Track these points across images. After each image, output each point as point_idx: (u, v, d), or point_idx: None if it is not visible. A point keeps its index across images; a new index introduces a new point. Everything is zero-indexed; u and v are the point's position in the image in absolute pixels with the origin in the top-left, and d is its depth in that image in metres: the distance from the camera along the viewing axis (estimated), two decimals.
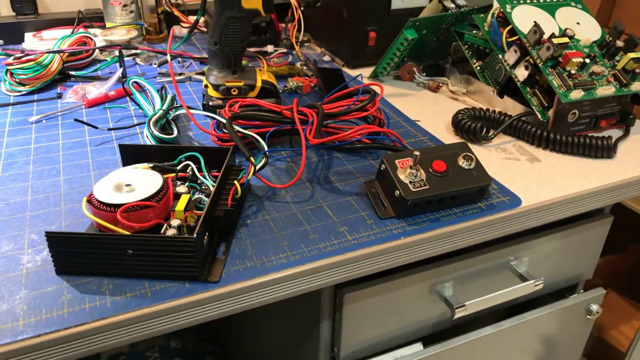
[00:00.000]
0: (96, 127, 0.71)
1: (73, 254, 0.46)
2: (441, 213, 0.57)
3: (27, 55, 0.83)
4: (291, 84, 0.85)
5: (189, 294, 0.46)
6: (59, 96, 0.82)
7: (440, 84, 0.88)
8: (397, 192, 0.54)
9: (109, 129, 0.72)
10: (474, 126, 0.70)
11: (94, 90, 0.80)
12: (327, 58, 1.00)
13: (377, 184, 0.58)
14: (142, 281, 0.47)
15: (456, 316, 0.64)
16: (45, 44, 0.92)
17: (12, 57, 0.83)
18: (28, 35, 1.00)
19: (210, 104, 0.75)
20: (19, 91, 0.83)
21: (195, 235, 0.45)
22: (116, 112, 0.78)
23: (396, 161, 0.56)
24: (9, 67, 0.82)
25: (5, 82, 0.83)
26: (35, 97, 0.82)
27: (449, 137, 0.73)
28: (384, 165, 0.56)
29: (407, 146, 0.62)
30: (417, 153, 0.54)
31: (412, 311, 0.65)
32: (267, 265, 0.49)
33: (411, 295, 0.63)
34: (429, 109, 0.82)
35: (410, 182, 0.54)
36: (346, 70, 0.95)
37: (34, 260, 0.49)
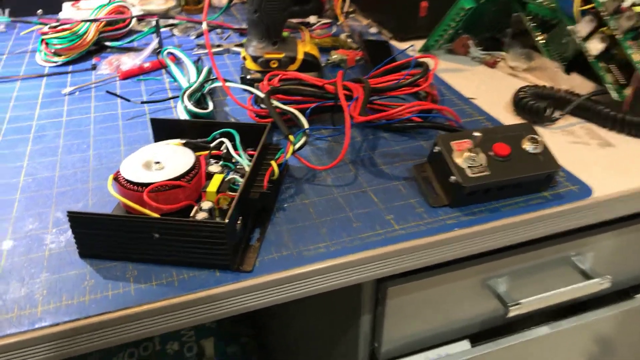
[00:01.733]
0: (128, 100, 0.67)
1: (96, 236, 0.43)
2: (501, 202, 0.50)
3: (63, 24, 0.80)
4: (334, 57, 0.79)
5: (219, 284, 0.41)
6: (94, 67, 0.79)
7: (498, 59, 0.80)
8: (453, 177, 0.48)
9: (142, 102, 0.68)
10: (537, 106, 0.63)
11: (129, 61, 0.77)
12: (373, 30, 0.94)
13: (428, 168, 0.53)
14: (169, 268, 0.43)
15: (510, 314, 0.58)
16: (81, 14, 0.89)
17: (48, 26, 0.80)
18: (66, 5, 0.98)
19: (248, 77, 0.70)
20: (54, 62, 0.80)
21: (227, 220, 0.40)
22: (150, 84, 0.75)
23: (452, 143, 0.50)
24: (45, 37, 0.79)
25: (40, 53, 0.81)
26: (70, 68, 0.79)
27: (508, 117, 0.66)
28: (438, 147, 0.50)
29: (464, 126, 0.56)
30: (478, 134, 0.47)
31: (461, 307, 0.60)
32: (304, 255, 0.44)
33: (460, 290, 0.58)
34: (486, 85, 0.74)
35: (469, 167, 0.48)
36: (394, 43, 0.88)
37: (58, 240, 0.46)
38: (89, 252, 0.44)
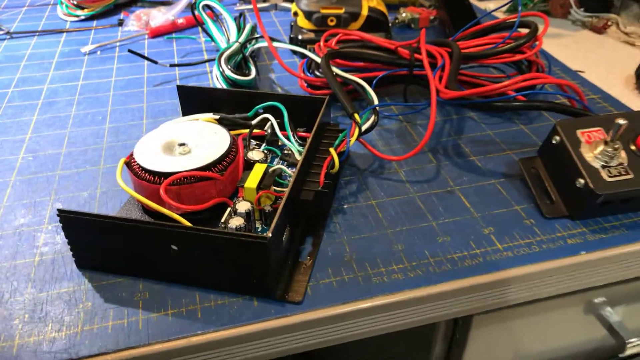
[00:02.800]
0: (156, 62, 0.56)
1: (95, 244, 0.32)
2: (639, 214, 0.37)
3: None
4: (403, 15, 0.65)
5: (257, 320, 0.30)
6: (120, 23, 0.68)
7: (609, 23, 0.64)
8: (581, 181, 0.34)
9: (172, 65, 0.57)
10: None
11: (160, 16, 0.65)
12: None
13: (539, 164, 0.39)
14: (191, 290, 0.32)
15: (627, 353, 0.45)
16: None
17: None
18: None
19: (300, 37, 0.58)
20: (77, 16, 0.69)
21: (270, 235, 0.29)
22: (184, 44, 0.63)
23: (579, 132, 0.36)
24: None
25: (62, 5, 0.70)
26: (94, 23, 0.69)
27: (630, 95, 0.51)
28: (558, 137, 0.37)
29: (591, 109, 0.41)
30: (622, 121, 0.34)
31: (562, 338, 0.47)
32: (373, 282, 0.32)
33: (562, 319, 0.45)
34: (594, 55, 0.59)
35: (603, 167, 0.35)
36: (474, 2, 0.73)
37: (53, 241, 0.36)
38: (87, 263, 0.33)
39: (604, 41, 0.63)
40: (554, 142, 0.37)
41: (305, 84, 0.51)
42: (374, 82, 0.47)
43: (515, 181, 0.40)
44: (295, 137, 0.41)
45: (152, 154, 0.36)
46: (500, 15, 0.68)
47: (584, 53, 0.60)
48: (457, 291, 0.32)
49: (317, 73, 0.49)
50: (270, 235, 0.28)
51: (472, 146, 0.44)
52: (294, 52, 0.60)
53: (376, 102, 0.40)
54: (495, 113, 0.48)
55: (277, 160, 0.41)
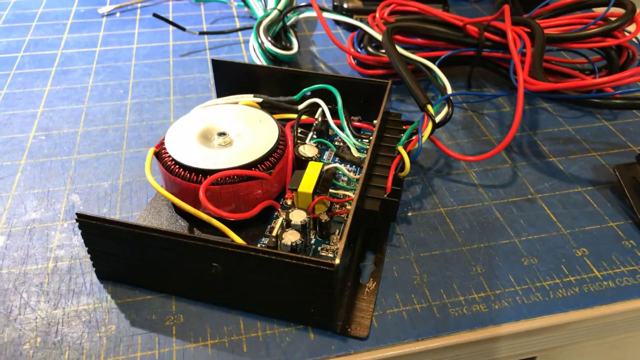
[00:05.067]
0: (184, 29, 0.50)
1: (119, 256, 0.27)
2: None
3: None
4: None
5: (314, 357, 0.25)
6: None
7: None
8: None
9: (201, 33, 0.50)
10: None
11: None
12: None
13: (639, 173, 0.33)
14: (234, 315, 0.27)
15: None
16: None
17: None
18: None
19: (346, 5, 0.51)
20: None
21: (338, 262, 0.23)
22: (212, 8, 0.56)
23: None
24: None
25: None
26: None
27: None
28: None
29: None
30: None
31: None
32: (451, 313, 0.27)
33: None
34: None
35: None
36: None
37: (69, 243, 0.30)
38: (110, 274, 0.28)
39: None
40: None
41: (355, 62, 0.44)
42: (437, 63, 0.40)
43: (606, 190, 0.34)
44: (351, 127, 0.35)
45: (186, 145, 0.30)
46: None
47: None
48: (552, 328, 0.27)
49: (370, 49, 0.43)
50: (339, 261, 0.23)
51: (550, 144, 0.38)
52: (337, 23, 0.53)
53: (450, 90, 0.34)
54: (573, 105, 0.42)
55: (327, 154, 0.35)
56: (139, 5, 0.56)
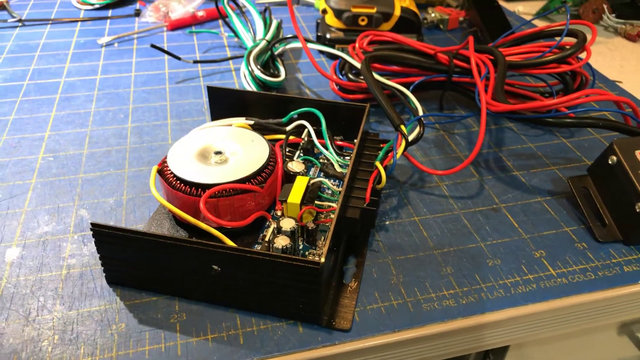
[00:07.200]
0: (179, 58, 0.53)
1: (128, 261, 0.30)
2: None
3: None
4: (432, 15, 0.63)
5: (303, 348, 0.28)
6: (137, 14, 0.65)
7: None
8: None
9: (195, 62, 0.54)
10: None
11: (179, 8, 0.63)
12: None
13: (589, 183, 0.37)
14: (231, 313, 0.30)
15: None
16: None
17: None
18: None
19: (328, 36, 0.55)
20: (91, 4, 0.67)
21: (323, 260, 0.27)
22: (204, 38, 0.61)
23: (637, 153, 0.34)
24: None
25: None
26: (110, 13, 0.66)
27: None
28: (615, 157, 0.35)
29: None
30: None
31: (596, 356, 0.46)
32: (424, 308, 0.30)
33: (601, 339, 0.44)
34: (630, 64, 0.58)
35: None
36: (503, 3, 0.71)
37: (80, 252, 0.33)
38: (119, 279, 0.31)
39: (637, 49, 0.61)
40: (610, 162, 0.35)
41: (337, 87, 0.48)
42: (411, 88, 0.45)
43: (562, 200, 0.38)
44: (334, 146, 0.39)
45: (186, 163, 0.34)
46: (529, 19, 0.66)
47: (619, 61, 0.58)
48: (513, 319, 0.31)
49: (350, 76, 0.47)
50: (323, 260, 0.27)
51: (514, 160, 0.42)
52: (321, 52, 0.58)
53: (421, 112, 0.38)
54: (534, 124, 0.46)
55: (313, 170, 0.39)
56: (136, 36, 0.60)
